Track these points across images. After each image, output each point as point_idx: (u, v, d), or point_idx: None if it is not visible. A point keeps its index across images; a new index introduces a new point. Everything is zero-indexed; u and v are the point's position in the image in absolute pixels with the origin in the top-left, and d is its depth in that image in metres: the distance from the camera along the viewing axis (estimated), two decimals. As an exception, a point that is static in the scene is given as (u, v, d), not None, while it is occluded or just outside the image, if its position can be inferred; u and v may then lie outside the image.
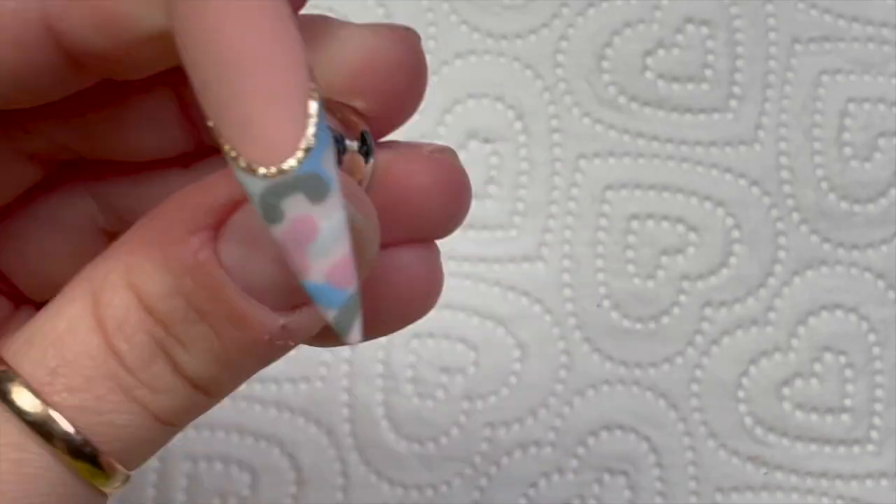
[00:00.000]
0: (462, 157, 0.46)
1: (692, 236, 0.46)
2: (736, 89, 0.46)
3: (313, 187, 0.21)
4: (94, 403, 0.23)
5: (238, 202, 0.23)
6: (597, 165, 0.46)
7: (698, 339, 0.45)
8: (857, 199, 0.46)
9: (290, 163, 0.21)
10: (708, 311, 0.46)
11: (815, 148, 0.46)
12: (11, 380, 0.22)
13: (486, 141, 0.46)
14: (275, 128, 0.21)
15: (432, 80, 0.46)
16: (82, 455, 0.23)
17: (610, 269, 0.46)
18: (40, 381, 0.23)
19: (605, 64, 0.46)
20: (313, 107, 0.21)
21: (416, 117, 0.46)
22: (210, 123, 0.22)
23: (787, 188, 0.46)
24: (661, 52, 0.46)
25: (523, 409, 0.45)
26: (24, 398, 0.22)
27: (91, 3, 0.23)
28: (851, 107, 0.46)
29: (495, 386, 0.44)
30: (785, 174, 0.46)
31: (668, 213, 0.46)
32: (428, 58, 0.48)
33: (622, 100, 0.46)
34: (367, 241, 0.24)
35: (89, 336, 0.23)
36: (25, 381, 0.22)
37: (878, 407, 0.45)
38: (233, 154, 0.21)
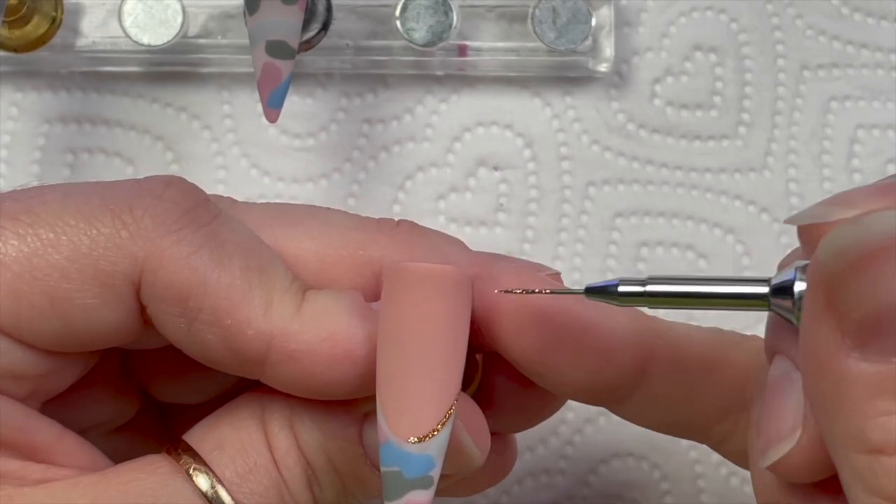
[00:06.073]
0: (471, 184, 0.47)
1: (702, 263, 0.46)
2: (745, 116, 0.46)
3: (425, 483, 0.30)
4: None
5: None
6: (606, 193, 0.46)
7: (709, 366, 0.45)
8: (866, 225, 0.46)
9: (410, 447, 0.29)
10: (718, 339, 0.45)
11: (825, 174, 0.46)
12: (209, 476, 0.31)
13: (496, 168, 0.46)
14: (419, 419, 0.29)
15: (441, 108, 0.46)
16: None
17: (620, 297, 0.46)
18: (230, 481, 0.31)
19: (613, 92, 0.46)
20: (450, 421, 0.30)
21: (425, 145, 0.47)
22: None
23: (796, 215, 0.46)
24: (669, 79, 0.47)
25: (534, 438, 0.44)
26: (223, 493, 0.31)
27: (170, 296, 0.30)
28: (861, 133, 0.46)
29: (505, 414, 0.44)
30: (794, 201, 0.46)
31: (678, 241, 0.46)
32: (437, 86, 0.48)
33: (631, 127, 0.46)
34: (472, 461, 0.32)
35: (265, 456, 0.31)
36: (219, 479, 0.31)
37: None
38: (383, 418, 0.30)
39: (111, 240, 0.30)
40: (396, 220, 0.34)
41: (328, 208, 0.34)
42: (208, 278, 0.30)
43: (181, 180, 0.32)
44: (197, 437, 0.32)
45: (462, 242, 0.34)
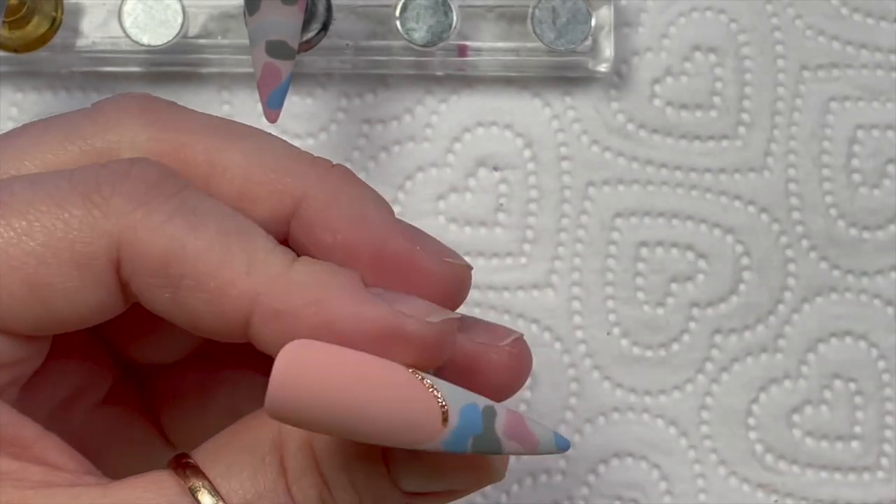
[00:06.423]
0: (471, 184, 0.47)
1: (701, 264, 0.46)
2: (744, 116, 0.47)
3: (490, 414, 0.29)
4: None
5: None
6: (606, 193, 0.46)
7: (708, 366, 0.45)
8: (866, 225, 0.46)
9: (451, 426, 0.29)
10: (718, 339, 0.46)
11: (824, 175, 0.46)
12: (216, 500, 0.30)
13: (496, 168, 0.46)
14: (420, 420, 0.29)
15: (441, 108, 0.46)
16: None
17: (619, 297, 0.46)
18: None
19: (613, 92, 0.46)
20: (427, 383, 0.29)
21: (425, 145, 0.47)
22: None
23: (796, 215, 0.46)
24: (669, 79, 0.47)
25: (533, 437, 0.44)
26: None
27: (151, 262, 0.30)
28: (860, 133, 0.47)
29: (505, 414, 0.44)
30: (794, 201, 0.46)
31: (678, 241, 0.46)
32: (437, 86, 0.48)
33: (631, 127, 0.46)
34: (493, 476, 0.31)
35: (276, 480, 0.30)
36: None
37: (889, 434, 0.45)
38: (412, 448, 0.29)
39: (84, 221, 0.30)
40: (333, 162, 0.34)
41: (271, 134, 0.34)
42: (186, 243, 0.30)
43: (146, 158, 0.32)
44: (208, 457, 0.31)
45: (389, 207, 0.33)
